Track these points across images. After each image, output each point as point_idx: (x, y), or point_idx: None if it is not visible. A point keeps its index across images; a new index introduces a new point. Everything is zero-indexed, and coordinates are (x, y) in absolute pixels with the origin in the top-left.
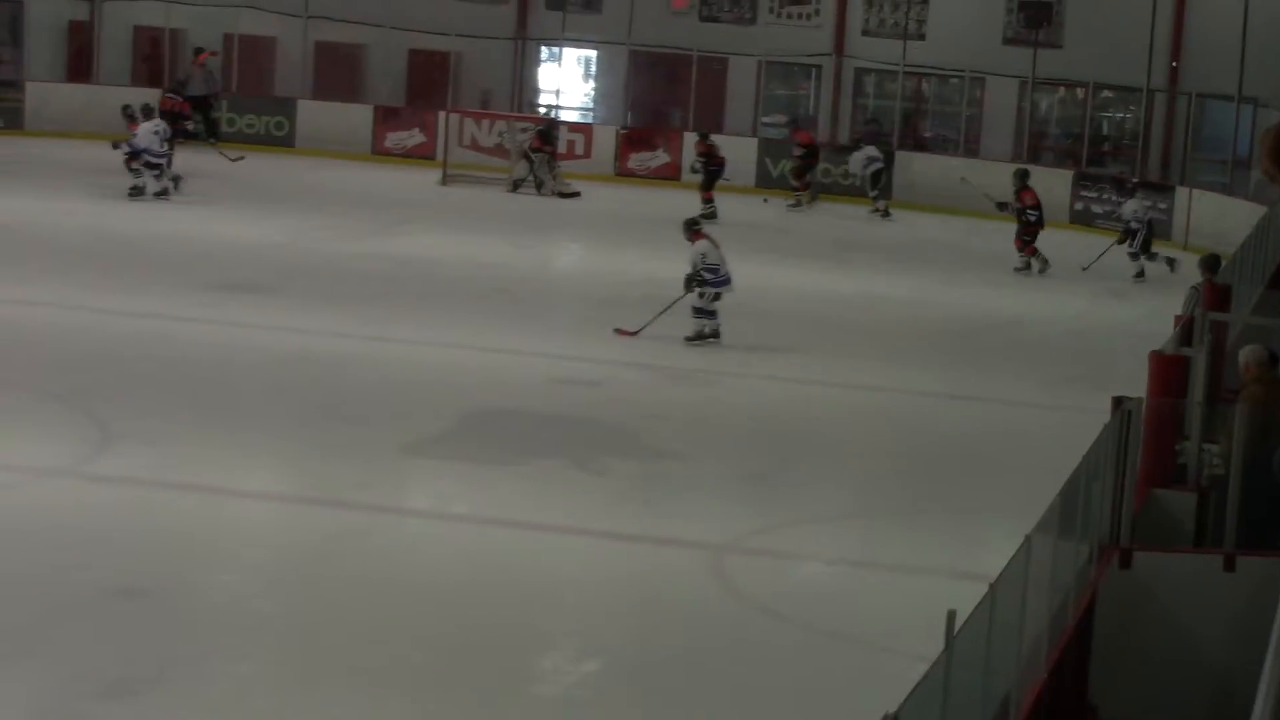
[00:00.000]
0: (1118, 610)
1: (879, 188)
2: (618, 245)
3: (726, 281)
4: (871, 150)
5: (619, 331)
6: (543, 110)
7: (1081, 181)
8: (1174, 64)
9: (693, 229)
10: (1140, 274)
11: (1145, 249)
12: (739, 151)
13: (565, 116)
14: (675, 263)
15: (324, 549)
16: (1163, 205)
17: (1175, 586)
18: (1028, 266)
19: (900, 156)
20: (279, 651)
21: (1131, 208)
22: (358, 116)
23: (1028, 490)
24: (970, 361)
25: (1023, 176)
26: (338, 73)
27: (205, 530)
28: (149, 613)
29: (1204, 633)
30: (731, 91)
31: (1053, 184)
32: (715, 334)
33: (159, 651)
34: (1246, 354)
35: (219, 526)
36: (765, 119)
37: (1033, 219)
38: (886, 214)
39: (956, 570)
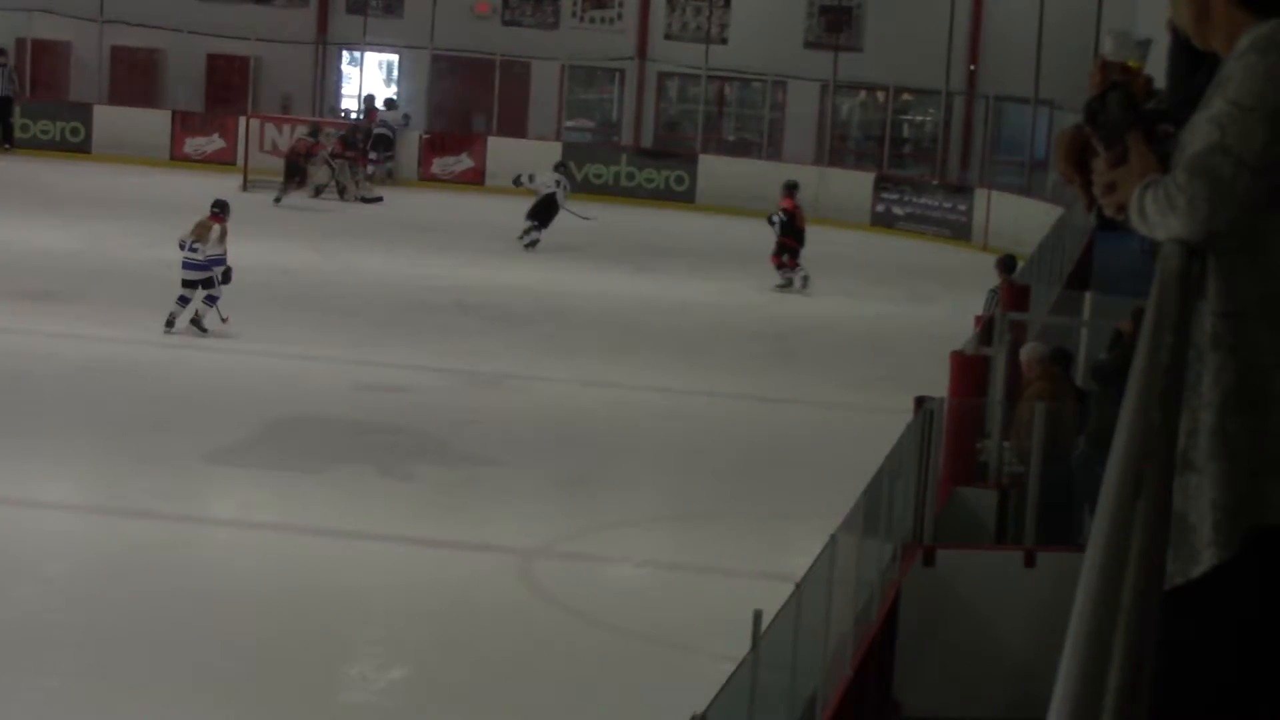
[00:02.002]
0: (921, 607)
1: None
2: (422, 250)
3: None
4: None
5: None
6: (344, 115)
7: (882, 184)
8: (972, 67)
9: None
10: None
11: None
12: (542, 156)
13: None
14: (482, 268)
15: (127, 560)
16: (962, 206)
17: (977, 583)
18: (789, 283)
19: (704, 161)
20: (82, 664)
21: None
22: (156, 122)
23: (834, 490)
24: (777, 364)
25: (789, 187)
26: (135, 78)
27: (2, 543)
28: None
29: (1005, 627)
30: (535, 96)
31: (854, 186)
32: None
33: None
34: (1027, 352)
35: (18, 539)
36: (569, 123)
37: (775, 227)
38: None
39: (764, 570)
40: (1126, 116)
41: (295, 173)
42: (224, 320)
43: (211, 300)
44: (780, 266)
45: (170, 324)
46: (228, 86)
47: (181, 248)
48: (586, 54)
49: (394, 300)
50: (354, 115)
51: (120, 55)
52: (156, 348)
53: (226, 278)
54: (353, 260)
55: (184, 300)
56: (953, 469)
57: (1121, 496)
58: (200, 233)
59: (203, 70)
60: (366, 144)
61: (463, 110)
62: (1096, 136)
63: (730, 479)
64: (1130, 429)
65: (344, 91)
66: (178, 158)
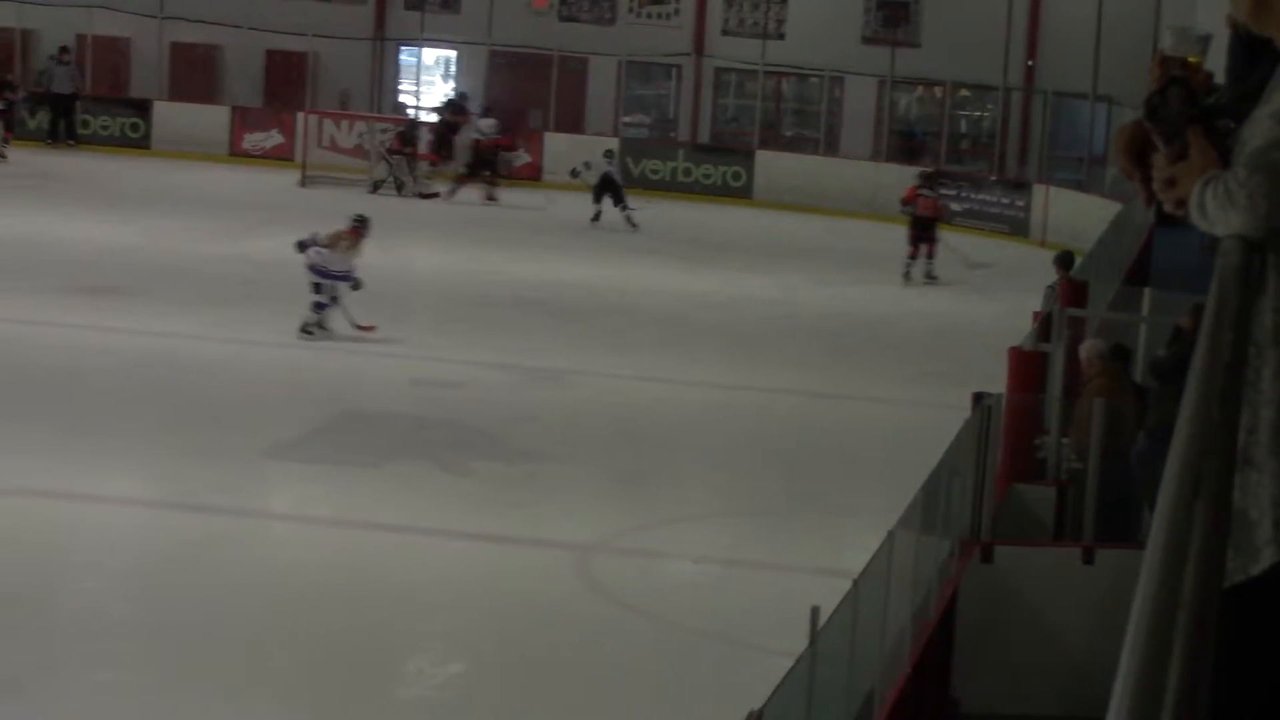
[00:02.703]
0: (979, 604)
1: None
2: (481, 245)
3: None
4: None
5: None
6: (402, 111)
7: (939, 179)
8: (1030, 63)
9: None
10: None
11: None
12: (600, 151)
13: (425, 117)
14: (543, 263)
15: (186, 554)
16: (1020, 202)
17: (1035, 580)
18: (925, 276)
19: (761, 156)
20: (141, 657)
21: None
22: (215, 118)
23: (892, 487)
24: (836, 360)
25: (923, 176)
26: (194, 74)
27: (66, 538)
28: (8, 621)
29: (1064, 625)
30: (592, 92)
31: (909, 183)
32: None
33: (18, 659)
34: (1086, 349)
35: (79, 533)
36: (626, 119)
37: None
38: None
39: (821, 566)
40: (1186, 111)
41: (484, 165)
42: (317, 330)
43: (319, 308)
44: (913, 257)
45: (309, 329)
46: (286, 82)
47: (302, 248)
48: (643, 50)
49: (451, 295)
50: (411, 111)
51: (180, 51)
52: (216, 343)
53: (335, 293)
54: (410, 256)
55: (320, 306)
56: (1011, 465)
57: (1181, 493)
58: (333, 241)
59: (261, 66)
60: (443, 145)
61: (519, 106)
62: (1156, 132)
63: (787, 475)
64: (1190, 425)
65: (401, 87)
66: (237, 153)
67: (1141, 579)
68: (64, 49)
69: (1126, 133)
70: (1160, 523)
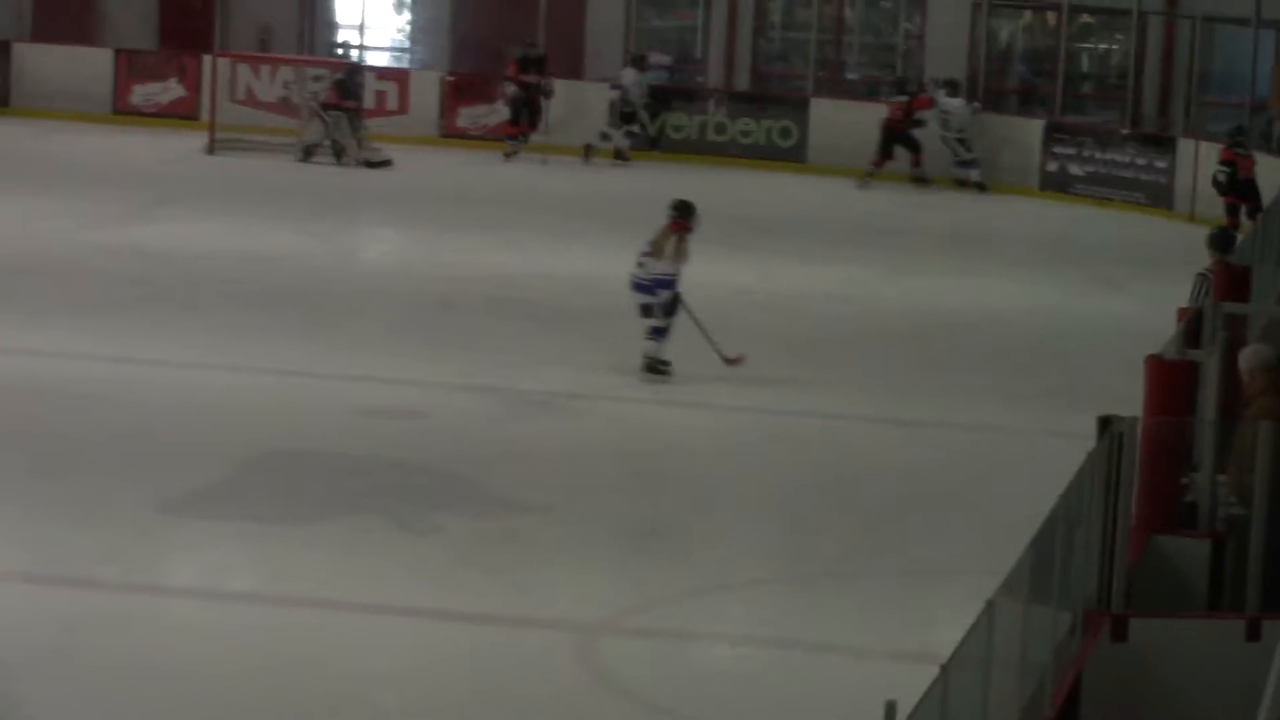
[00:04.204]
0: (1111, 694)
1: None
2: (447, 229)
3: None
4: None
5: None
6: (341, 53)
7: (1055, 134)
8: None
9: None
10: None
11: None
12: (604, 104)
13: (371, 60)
14: (524, 252)
15: (62, 641)
16: (1161, 164)
17: (1185, 661)
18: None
19: (816, 107)
20: None
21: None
22: (94, 65)
23: (991, 541)
24: (919, 374)
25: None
26: (66, 7)
27: None
28: None
29: (1222, 718)
30: (592, 25)
31: (1018, 137)
32: None
33: None
34: (1249, 358)
35: None
36: None
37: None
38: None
39: (899, 648)
40: None
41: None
42: (664, 366)
43: (657, 333)
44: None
45: (650, 369)
46: (187, 16)
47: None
48: None
49: (408, 296)
50: (353, 53)
51: None
52: (98, 363)
53: (669, 309)
54: (354, 244)
55: (657, 332)
56: (1150, 512)
57: None
58: (657, 242)
59: None
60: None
61: (496, 45)
62: None
63: (855, 527)
64: None
65: (338, 20)
66: (123, 110)
67: None
68: None
69: None
70: None
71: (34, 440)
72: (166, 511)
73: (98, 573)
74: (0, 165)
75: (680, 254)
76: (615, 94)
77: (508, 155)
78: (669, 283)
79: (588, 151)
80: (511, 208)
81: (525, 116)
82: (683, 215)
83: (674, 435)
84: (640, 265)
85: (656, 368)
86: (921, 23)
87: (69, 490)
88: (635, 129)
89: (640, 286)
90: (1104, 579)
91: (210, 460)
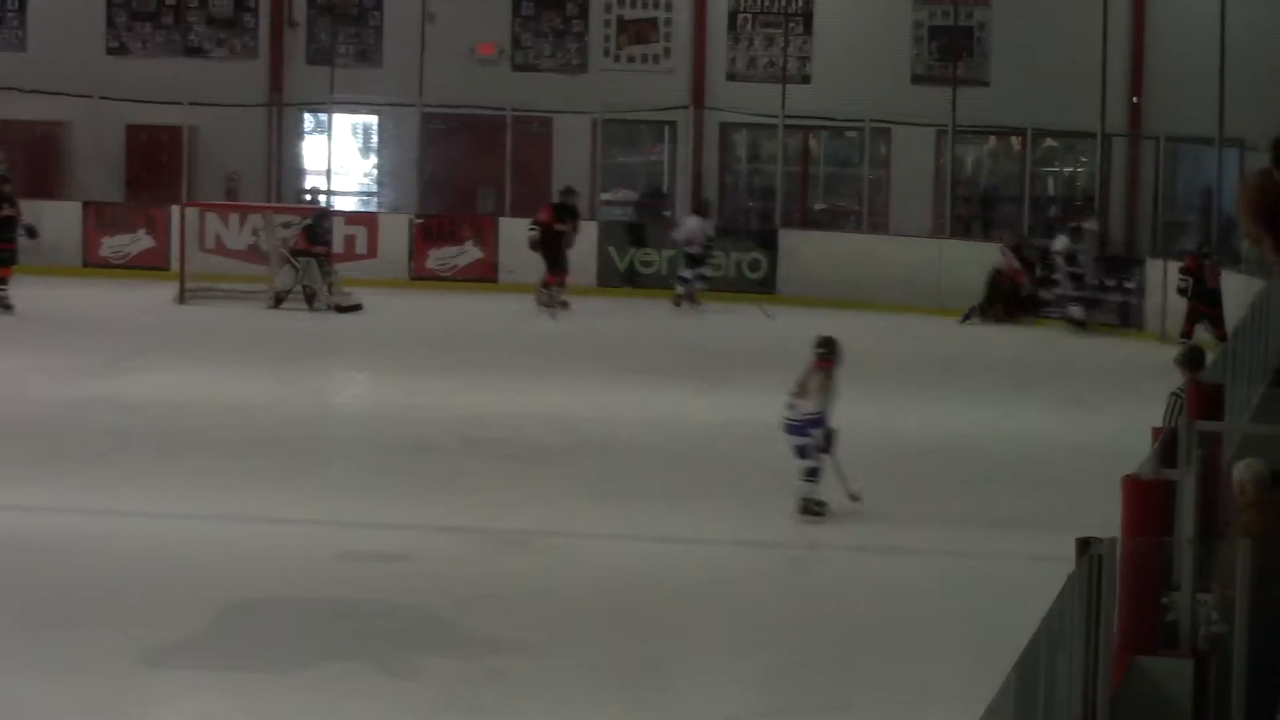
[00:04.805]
0: None
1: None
2: (420, 372)
3: None
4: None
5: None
6: (309, 198)
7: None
8: (1135, 100)
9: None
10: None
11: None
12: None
13: (339, 204)
14: (498, 392)
15: None
16: (1130, 284)
17: None
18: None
19: (785, 237)
20: None
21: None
22: (63, 217)
23: (975, 667)
24: (897, 500)
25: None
26: (33, 160)
27: None
28: None
29: None
30: (560, 161)
31: (985, 263)
32: None
33: None
34: (1241, 471)
35: None
36: (605, 195)
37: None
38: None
39: None
40: None
41: (1000, 297)
42: (818, 508)
43: (812, 474)
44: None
45: (806, 510)
46: (154, 166)
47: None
48: (625, 103)
49: (384, 439)
50: (321, 199)
51: (14, 131)
52: (75, 516)
53: (826, 444)
54: (328, 389)
55: (812, 473)
56: (1132, 632)
57: None
58: (803, 382)
59: (121, 146)
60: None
61: (465, 185)
62: None
63: (841, 659)
64: None
65: (306, 166)
66: (93, 262)
67: None
68: None
69: (1253, 187)
70: None
71: (12, 595)
72: (148, 662)
73: None
74: None
75: (827, 391)
76: (681, 238)
77: (547, 305)
78: (819, 421)
79: (678, 300)
80: (484, 349)
81: (563, 263)
82: (827, 352)
83: (651, 571)
84: (790, 407)
85: (812, 509)
86: (887, 152)
87: (43, 643)
88: (705, 271)
89: (793, 429)
90: (1088, 702)
91: (191, 609)
